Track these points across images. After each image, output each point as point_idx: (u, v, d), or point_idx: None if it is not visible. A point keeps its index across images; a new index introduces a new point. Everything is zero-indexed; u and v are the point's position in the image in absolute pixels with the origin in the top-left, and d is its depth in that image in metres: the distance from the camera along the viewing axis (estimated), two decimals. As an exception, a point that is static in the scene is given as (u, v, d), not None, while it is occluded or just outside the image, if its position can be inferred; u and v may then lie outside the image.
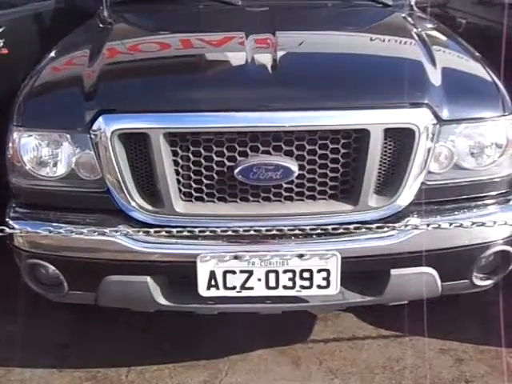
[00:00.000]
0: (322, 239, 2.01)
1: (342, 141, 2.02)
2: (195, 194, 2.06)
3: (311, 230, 1.92)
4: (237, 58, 2.25)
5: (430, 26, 2.84)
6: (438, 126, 2.05)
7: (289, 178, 2.00)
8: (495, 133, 2.13)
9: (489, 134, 2.13)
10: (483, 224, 1.88)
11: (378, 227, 1.91)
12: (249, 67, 2.13)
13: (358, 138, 2.01)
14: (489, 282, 2.24)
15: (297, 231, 1.96)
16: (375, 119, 1.99)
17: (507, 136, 2.15)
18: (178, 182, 2.05)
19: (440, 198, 2.14)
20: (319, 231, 1.99)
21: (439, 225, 1.91)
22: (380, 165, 2.05)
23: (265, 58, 2.17)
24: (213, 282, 2.02)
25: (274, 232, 1.93)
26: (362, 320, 2.81)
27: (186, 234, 1.92)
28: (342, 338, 2.75)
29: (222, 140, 2.00)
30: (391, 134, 2.03)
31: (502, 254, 2.17)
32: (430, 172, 2.10)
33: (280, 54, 2.21)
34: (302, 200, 2.07)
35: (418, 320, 2.55)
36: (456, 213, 2.12)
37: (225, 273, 2.02)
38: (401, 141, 2.04)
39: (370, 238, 2.02)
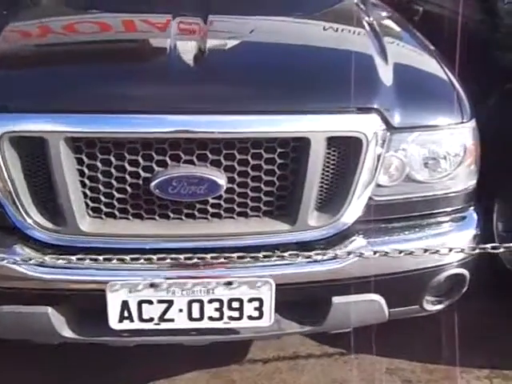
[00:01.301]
0: (253, 264, 1.73)
1: (279, 150, 1.73)
2: (105, 210, 1.75)
3: (238, 256, 1.64)
4: (156, 48, 1.94)
5: (384, 15, 2.57)
6: (388, 133, 1.80)
7: (215, 192, 1.71)
8: (452, 142, 1.89)
9: (445, 144, 1.88)
10: (437, 251, 1.65)
11: (316, 254, 1.65)
12: (169, 60, 1.81)
13: (297, 147, 1.73)
14: (440, 307, 2.01)
15: (223, 256, 1.69)
16: (316, 126, 1.71)
17: (465, 145, 1.91)
18: (85, 195, 1.73)
19: (389, 215, 1.89)
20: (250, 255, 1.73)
21: (387, 252, 1.67)
22: (322, 178, 1.78)
23: (190, 49, 1.86)
24: (126, 314, 1.72)
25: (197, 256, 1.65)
26: (305, 336, 2.55)
27: (90, 258, 1.62)
28: (283, 357, 2.50)
29: (136, 147, 1.69)
30: (335, 142, 1.76)
31: (455, 277, 1.94)
32: (378, 185, 1.85)
33: (209, 43, 1.90)
34: (232, 217, 1.79)
35: (364, 337, 2.31)
36: (407, 232, 1.87)
37: (140, 303, 1.72)
38: (346, 150, 1.77)
39: (309, 262, 1.76)
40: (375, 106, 1.78)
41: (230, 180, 1.74)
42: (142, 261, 1.62)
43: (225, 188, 1.72)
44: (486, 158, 2.99)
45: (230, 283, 1.73)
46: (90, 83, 1.75)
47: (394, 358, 2.49)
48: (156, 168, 1.70)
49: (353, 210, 1.81)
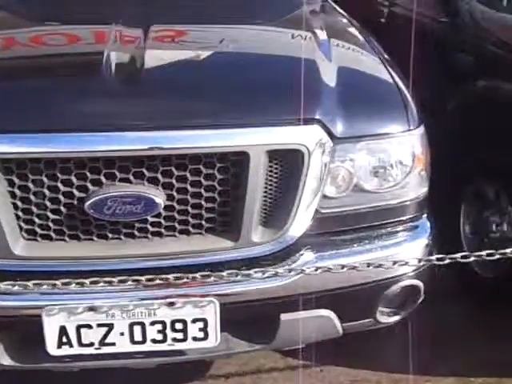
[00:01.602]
0: (196, 283, 1.67)
1: (218, 165, 1.67)
2: (40, 232, 1.68)
3: (175, 277, 1.57)
4: (88, 64, 1.86)
5: (339, 22, 2.51)
6: (332, 144, 1.74)
7: (152, 211, 1.64)
8: (400, 150, 1.83)
9: (393, 152, 1.83)
10: (380, 266, 1.60)
11: (256, 272, 1.59)
12: (100, 76, 1.73)
13: (237, 161, 1.67)
14: (396, 318, 1.96)
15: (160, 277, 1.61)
16: (254, 140, 1.65)
17: (413, 154, 1.85)
18: (17, 217, 1.65)
19: (339, 228, 1.83)
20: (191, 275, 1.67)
21: (329, 268, 1.61)
22: (265, 192, 1.72)
23: (126, 62, 1.80)
24: (64, 339, 1.66)
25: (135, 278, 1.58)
26: (267, 348, 2.55)
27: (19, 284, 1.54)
28: (246, 371, 2.44)
29: (68, 166, 1.62)
30: (277, 155, 1.70)
31: (409, 288, 1.89)
32: (326, 197, 1.80)
33: (149, 55, 1.83)
34: (174, 236, 1.73)
35: (328, 348, 2.25)
36: (357, 244, 1.82)
37: (78, 327, 1.66)
38: (288, 163, 1.71)
39: (254, 280, 1.68)
40: (317, 117, 1.72)
41: (169, 197, 1.68)
42: (73, 285, 1.55)
43: (163, 206, 1.66)
44: (449, 161, 2.99)
45: (172, 304, 1.68)
46: (15, 102, 1.67)
47: (359, 368, 2.44)
48: (91, 187, 1.64)
49: (298, 224, 1.75)
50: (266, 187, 1.72)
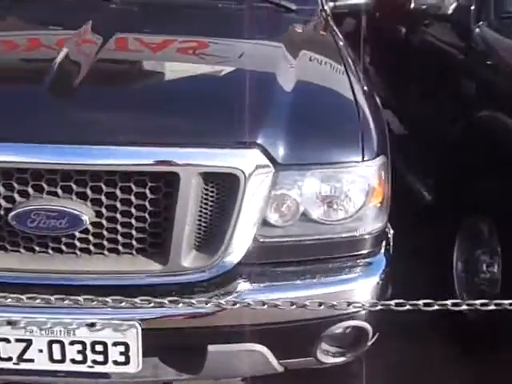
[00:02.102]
0: (118, 305, 1.59)
1: (150, 184, 1.59)
2: None
3: (85, 299, 1.50)
4: (36, 70, 1.82)
5: (320, 38, 2.40)
6: (274, 170, 1.64)
7: (77, 227, 1.58)
8: (352, 181, 1.71)
9: (344, 183, 1.71)
10: (304, 306, 1.48)
11: (170, 301, 1.50)
12: (40, 83, 1.67)
13: (170, 181, 1.59)
14: (342, 359, 1.83)
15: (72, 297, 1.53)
16: (185, 160, 1.57)
17: (369, 186, 1.72)
18: None
19: (281, 258, 1.73)
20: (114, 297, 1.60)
21: (249, 304, 1.51)
22: (200, 216, 1.63)
23: (68, 72, 1.75)
24: (-18, 351, 1.65)
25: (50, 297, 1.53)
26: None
27: None
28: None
29: None
30: (213, 178, 1.61)
31: (354, 329, 1.77)
32: (269, 225, 1.69)
33: (93, 67, 1.78)
34: (103, 254, 1.67)
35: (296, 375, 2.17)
36: (297, 279, 1.70)
37: None
38: (225, 188, 1.62)
39: (178, 306, 1.59)
40: (257, 141, 1.62)
41: (98, 214, 1.62)
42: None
43: (89, 222, 1.60)
44: (450, 191, 2.83)
45: (92, 325, 1.62)
46: None
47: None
48: (18, 199, 1.59)
49: (234, 252, 1.65)
50: (200, 211, 1.63)
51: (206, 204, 1.63)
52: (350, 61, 2.15)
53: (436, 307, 1.49)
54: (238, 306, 1.50)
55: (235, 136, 1.61)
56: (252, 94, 1.67)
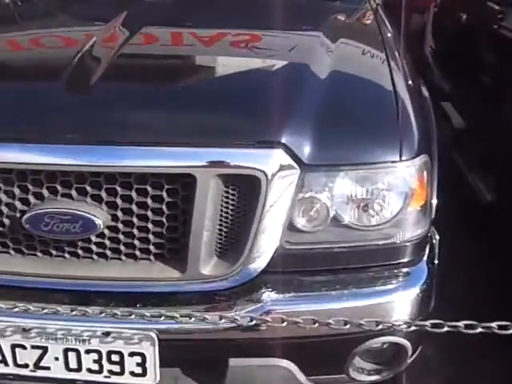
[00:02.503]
0: (127, 318, 1.49)
1: (167, 186, 1.50)
2: None
3: (93, 311, 1.43)
4: (54, 67, 1.73)
5: (367, 29, 2.23)
6: (300, 172, 1.50)
7: (92, 231, 1.50)
8: (390, 183, 1.55)
9: (380, 184, 1.55)
10: (328, 324, 1.31)
11: (182, 316, 1.39)
12: (55, 81, 1.61)
13: (187, 184, 1.49)
14: (377, 377, 1.68)
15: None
16: (201, 161, 1.46)
17: (409, 187, 1.56)
18: None
19: (310, 267, 1.59)
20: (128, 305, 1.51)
21: (266, 320, 1.36)
22: (221, 220, 1.52)
23: (90, 67, 1.67)
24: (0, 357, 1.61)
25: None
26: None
27: None
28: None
29: (10, 177, 1.52)
30: (234, 180, 1.50)
31: (391, 346, 1.60)
32: (297, 230, 1.56)
33: (114, 62, 1.70)
34: (120, 259, 1.59)
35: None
36: (326, 289, 1.56)
37: (13, 347, 1.56)
38: (246, 191, 1.50)
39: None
40: (281, 140, 1.48)
41: (114, 218, 1.53)
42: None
43: (104, 226, 1.51)
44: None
45: (107, 334, 1.54)
46: None
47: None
48: (33, 201, 1.53)
49: (257, 259, 1.53)
50: (221, 215, 1.52)
51: (226, 208, 1.52)
52: (395, 52, 1.98)
53: (480, 330, 1.31)
54: (254, 322, 1.38)
55: (256, 134, 1.48)
56: (276, 87, 1.56)
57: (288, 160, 1.49)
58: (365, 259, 1.61)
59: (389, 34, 2.17)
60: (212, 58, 1.90)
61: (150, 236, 1.55)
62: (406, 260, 1.62)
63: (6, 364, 1.59)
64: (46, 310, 1.51)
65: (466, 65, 3.44)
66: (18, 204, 1.54)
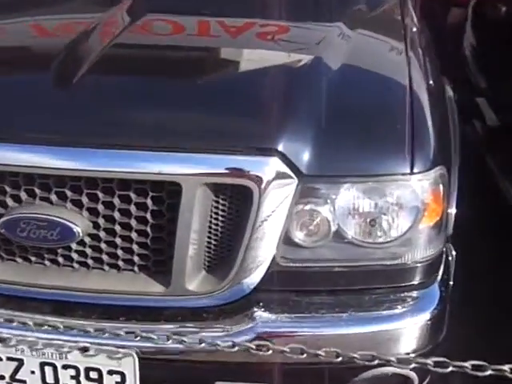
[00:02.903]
0: (99, 335, 1.37)
1: (152, 194, 1.37)
2: None
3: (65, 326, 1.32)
4: (42, 61, 1.60)
5: (391, 22, 2.00)
6: (297, 182, 1.35)
7: (70, 239, 1.38)
8: (399, 197, 1.39)
9: (389, 198, 1.39)
10: (317, 355, 1.16)
11: (159, 336, 1.27)
12: (41, 75, 1.50)
13: (173, 192, 1.36)
14: None
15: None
16: (187, 168, 1.32)
17: (422, 202, 1.39)
18: None
19: (306, 286, 1.45)
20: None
21: (250, 348, 1.21)
22: (209, 233, 1.39)
23: (78, 60, 1.53)
24: (-26, 368, 1.52)
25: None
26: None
27: None
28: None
29: None
30: (225, 190, 1.36)
31: (396, 378, 1.43)
32: (295, 245, 1.42)
33: (104, 54, 1.57)
34: (102, 269, 1.47)
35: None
36: (325, 312, 1.40)
37: None
38: (237, 201, 1.36)
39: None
40: (277, 147, 1.33)
41: (95, 225, 1.41)
42: None
43: (82, 234, 1.39)
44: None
45: (85, 349, 1.44)
46: None
47: None
48: (11, 204, 1.42)
49: (248, 276, 1.39)
50: (210, 227, 1.39)
51: (216, 220, 1.39)
52: (418, 48, 1.80)
53: (490, 372, 1.14)
54: (236, 348, 1.25)
55: (248, 140, 1.34)
56: (275, 86, 1.40)
57: (284, 169, 1.34)
58: (369, 280, 1.45)
59: (414, 29, 1.97)
60: (207, 53, 1.74)
61: (134, 246, 1.42)
62: (415, 282, 1.46)
63: (-19, 375, 1.53)
64: (20, 320, 1.43)
65: (503, 59, 3.22)
66: None
